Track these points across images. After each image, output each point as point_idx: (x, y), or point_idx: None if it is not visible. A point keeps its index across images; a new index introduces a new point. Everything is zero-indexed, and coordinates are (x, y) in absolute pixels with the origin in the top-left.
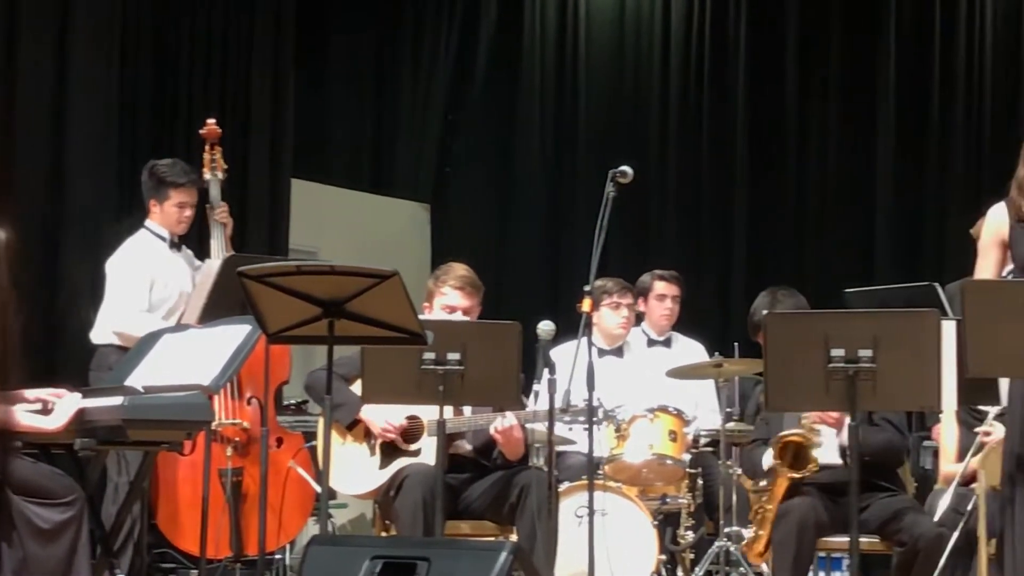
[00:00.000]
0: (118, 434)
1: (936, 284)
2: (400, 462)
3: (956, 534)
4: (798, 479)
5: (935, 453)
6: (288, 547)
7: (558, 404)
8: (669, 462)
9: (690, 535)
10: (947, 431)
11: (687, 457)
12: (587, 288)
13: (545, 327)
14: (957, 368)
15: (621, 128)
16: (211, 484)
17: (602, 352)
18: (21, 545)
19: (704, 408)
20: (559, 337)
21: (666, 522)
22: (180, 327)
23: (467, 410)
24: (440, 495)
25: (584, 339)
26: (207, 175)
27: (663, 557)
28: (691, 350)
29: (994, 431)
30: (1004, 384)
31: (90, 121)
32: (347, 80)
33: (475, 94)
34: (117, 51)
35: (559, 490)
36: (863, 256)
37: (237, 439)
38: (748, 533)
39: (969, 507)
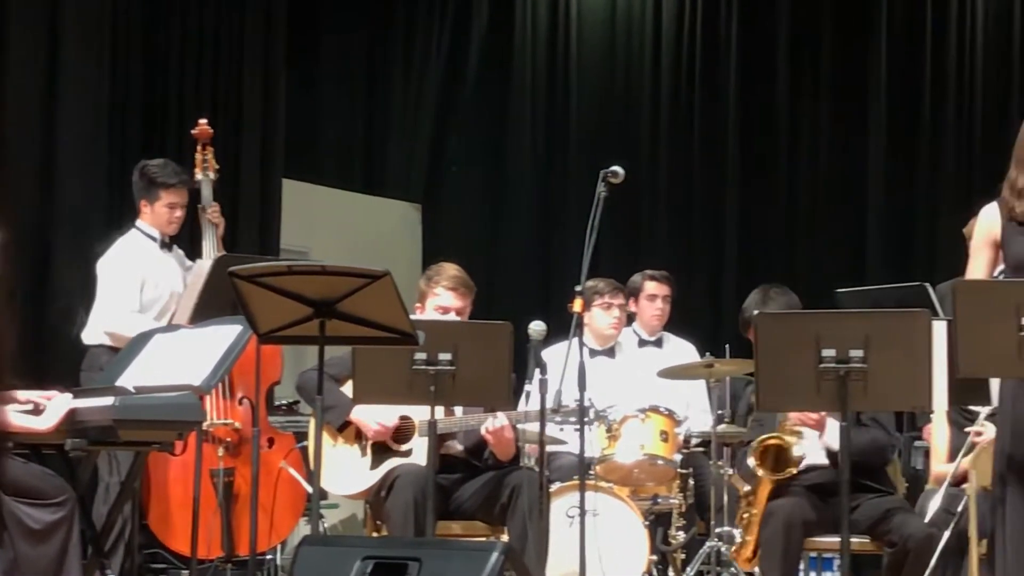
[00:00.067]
0: (109, 434)
1: (927, 284)
2: (391, 462)
3: (947, 534)
4: (781, 481)
5: (926, 453)
6: (279, 547)
7: (549, 404)
8: (660, 462)
9: (681, 535)
10: (938, 431)
11: (678, 457)
12: (578, 288)
13: (536, 327)
14: (948, 368)
15: (612, 128)
16: (202, 484)
17: (594, 352)
18: (12, 545)
19: (695, 408)
20: (551, 337)
21: (657, 522)
22: (171, 327)
23: (458, 410)
24: (431, 495)
25: (575, 339)
26: (199, 175)
27: (654, 557)
28: (682, 350)
29: (985, 431)
30: (995, 384)
31: (80, 121)
32: (338, 80)
33: (467, 94)
34: (107, 50)
35: (550, 490)
36: (854, 256)
37: (228, 439)
38: (738, 536)
39: (960, 507)
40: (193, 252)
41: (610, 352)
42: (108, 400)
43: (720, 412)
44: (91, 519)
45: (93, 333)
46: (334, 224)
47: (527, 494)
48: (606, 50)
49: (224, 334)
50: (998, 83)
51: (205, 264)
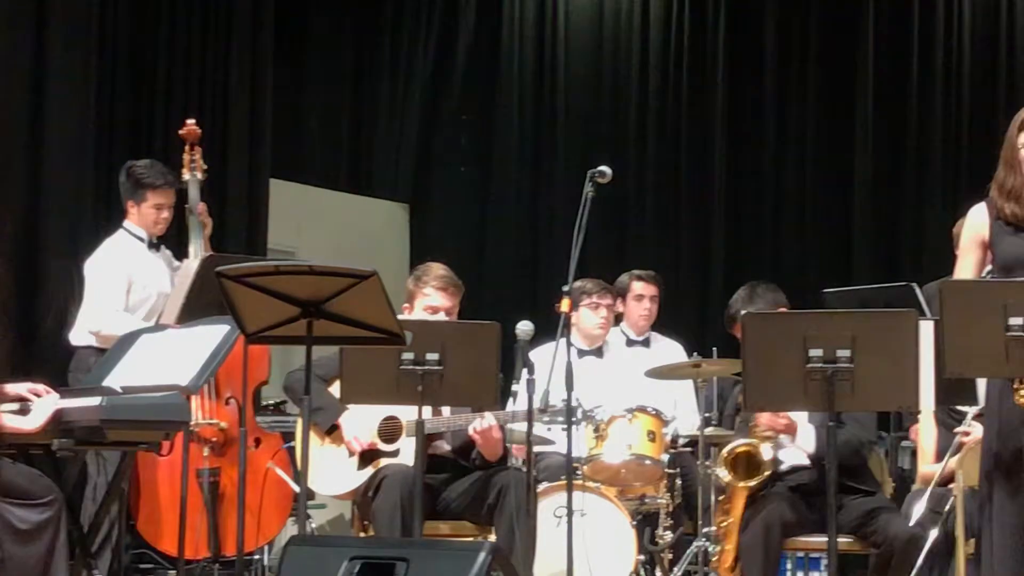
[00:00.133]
0: (96, 434)
1: (914, 284)
2: (379, 463)
3: (935, 535)
4: (755, 487)
5: (913, 453)
6: (267, 548)
7: (537, 404)
8: (648, 462)
9: (669, 535)
10: (925, 432)
11: (666, 457)
12: (566, 288)
13: (524, 327)
14: (935, 368)
15: (600, 128)
16: (189, 485)
17: (581, 352)
18: None
19: (683, 408)
20: (538, 338)
21: (645, 522)
22: (158, 327)
23: (446, 410)
24: (419, 495)
25: (563, 339)
26: (186, 175)
27: (642, 557)
28: (670, 350)
29: (972, 431)
30: (981, 384)
31: (68, 121)
32: (326, 80)
33: (454, 94)
34: (94, 51)
35: (538, 490)
36: (842, 256)
37: (214, 439)
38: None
39: (947, 508)
40: (181, 252)
41: (598, 352)
42: (95, 400)
43: (707, 415)
44: (79, 519)
45: (81, 334)
46: (322, 224)
47: (515, 494)
48: (593, 50)
49: (211, 334)
50: (985, 83)
51: (192, 264)
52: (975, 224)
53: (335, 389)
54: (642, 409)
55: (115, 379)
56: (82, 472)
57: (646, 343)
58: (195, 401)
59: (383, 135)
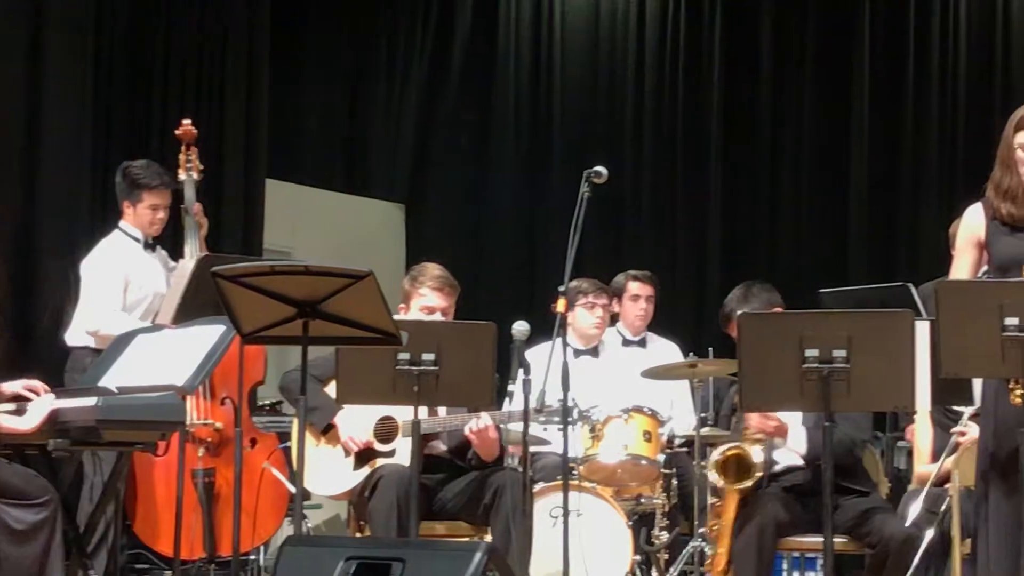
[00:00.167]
0: (92, 435)
1: (910, 285)
2: (374, 463)
3: (931, 535)
4: (747, 490)
5: (909, 453)
6: (263, 548)
7: (533, 405)
8: (644, 462)
9: (664, 535)
10: (921, 432)
11: (661, 458)
12: (562, 288)
13: (520, 328)
14: (931, 368)
15: (596, 129)
16: (185, 485)
17: (577, 352)
18: None
19: (679, 409)
20: (534, 338)
21: (641, 522)
22: (154, 327)
23: (442, 410)
24: (415, 496)
25: (559, 339)
26: (182, 176)
27: (638, 557)
28: (666, 350)
29: (969, 431)
30: (977, 384)
31: (64, 122)
32: (322, 80)
33: (450, 94)
34: (91, 51)
35: (534, 491)
36: (838, 256)
37: (209, 440)
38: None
39: (943, 508)
40: (176, 252)
41: (594, 352)
42: (91, 400)
43: (703, 415)
44: (75, 520)
45: (77, 334)
46: (318, 224)
47: (510, 494)
48: (589, 50)
49: (207, 334)
50: (981, 83)
51: (188, 264)
52: (971, 224)
53: (331, 389)
54: (638, 409)
55: (111, 379)
56: (78, 472)
57: (642, 343)
58: (191, 401)
59: (379, 135)
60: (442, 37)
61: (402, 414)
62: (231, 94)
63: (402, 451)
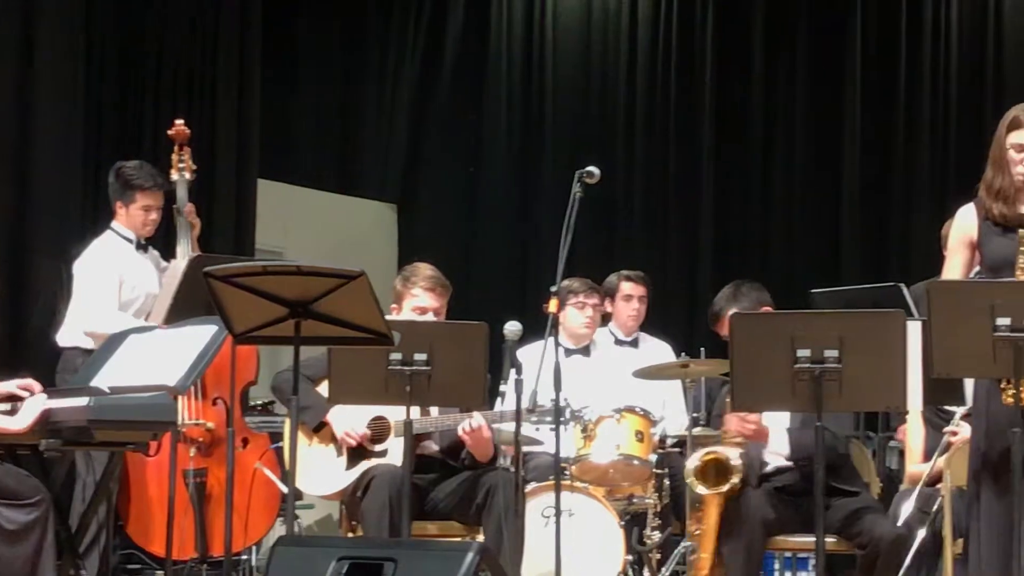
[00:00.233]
0: (84, 435)
1: (902, 285)
2: (367, 463)
3: (922, 534)
4: (727, 493)
5: (901, 453)
6: (254, 548)
7: (525, 404)
8: (636, 462)
9: (657, 535)
10: (913, 431)
11: (654, 457)
12: (553, 288)
13: (512, 328)
14: (923, 368)
15: (588, 128)
16: (176, 485)
17: (568, 352)
18: None
19: (671, 408)
20: (526, 338)
21: (633, 522)
22: (146, 327)
23: (434, 410)
24: (407, 496)
25: (551, 339)
26: (175, 176)
27: (630, 557)
28: (658, 350)
29: (960, 431)
30: (969, 384)
31: (56, 122)
32: (314, 80)
33: (442, 94)
34: (82, 50)
35: (526, 491)
36: (829, 257)
37: (201, 440)
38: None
39: (935, 507)
40: (168, 253)
41: (585, 351)
42: (83, 400)
43: (695, 415)
44: (66, 520)
45: (69, 335)
46: (309, 224)
47: (502, 494)
48: (581, 50)
49: (199, 334)
50: (973, 83)
51: (180, 264)
52: (963, 225)
53: (323, 389)
54: (630, 409)
55: (103, 379)
56: (70, 472)
57: (634, 343)
58: (182, 401)
59: (371, 135)
60: (434, 36)
61: (394, 414)
62: (223, 93)
63: (394, 451)
